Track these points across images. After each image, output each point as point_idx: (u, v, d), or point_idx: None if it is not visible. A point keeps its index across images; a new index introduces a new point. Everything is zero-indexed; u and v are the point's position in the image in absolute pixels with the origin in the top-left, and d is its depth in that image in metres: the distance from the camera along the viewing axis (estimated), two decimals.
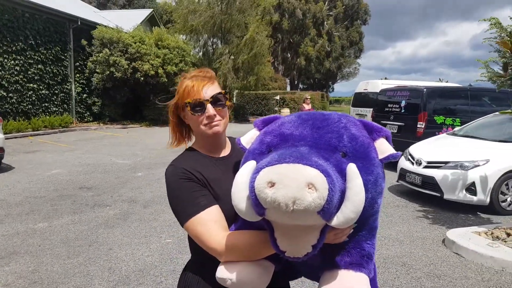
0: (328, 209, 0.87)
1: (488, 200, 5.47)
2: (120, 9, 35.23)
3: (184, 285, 1.31)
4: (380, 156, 1.08)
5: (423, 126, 8.27)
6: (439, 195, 5.74)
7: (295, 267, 1.26)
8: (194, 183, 1.22)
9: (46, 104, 15.68)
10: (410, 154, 6.52)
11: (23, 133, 13.45)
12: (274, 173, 0.87)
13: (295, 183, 0.84)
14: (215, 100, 1.28)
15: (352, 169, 0.93)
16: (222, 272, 1.10)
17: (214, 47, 23.12)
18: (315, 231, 0.96)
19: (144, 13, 25.34)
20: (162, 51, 17.30)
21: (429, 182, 5.89)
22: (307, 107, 11.34)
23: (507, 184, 5.58)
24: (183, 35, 21.72)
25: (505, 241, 4.17)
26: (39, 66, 15.09)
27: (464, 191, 5.53)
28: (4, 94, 13.62)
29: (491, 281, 3.51)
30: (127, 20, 20.25)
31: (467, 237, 4.30)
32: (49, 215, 5.15)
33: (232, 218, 1.22)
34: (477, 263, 3.88)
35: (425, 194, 6.07)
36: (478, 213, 5.60)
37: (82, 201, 5.82)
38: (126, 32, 17.51)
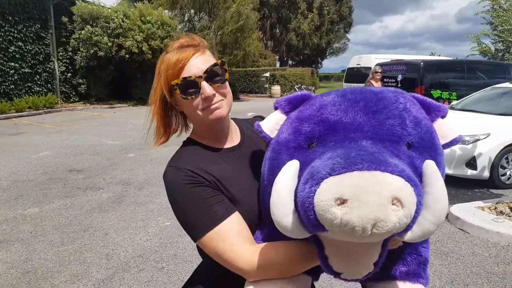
0: (410, 227, 0.68)
1: (488, 174, 5.42)
2: None
3: None
4: (442, 142, 0.88)
5: None
6: None
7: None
8: (205, 188, 0.96)
9: (29, 84, 15.13)
10: None
11: (6, 114, 12.98)
12: (344, 186, 0.65)
13: (376, 199, 0.63)
14: (210, 75, 0.98)
15: (432, 168, 0.73)
16: None
17: (200, 22, 22.53)
18: (377, 246, 0.76)
19: None
20: (146, 25, 16.68)
21: None
22: (376, 84, 7.85)
23: (507, 158, 5.52)
24: (167, 10, 21.06)
25: (509, 216, 4.12)
26: (19, 43, 14.47)
27: (463, 166, 5.47)
28: None
29: (498, 257, 3.46)
30: None
31: (471, 212, 4.25)
32: (39, 200, 4.93)
33: (255, 222, 1.00)
34: (482, 239, 3.82)
35: None
36: (478, 187, 5.56)
37: (73, 185, 5.60)
38: (108, 8, 16.85)
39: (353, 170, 0.66)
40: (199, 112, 1.00)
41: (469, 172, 5.44)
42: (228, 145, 1.10)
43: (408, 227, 0.67)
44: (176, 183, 0.97)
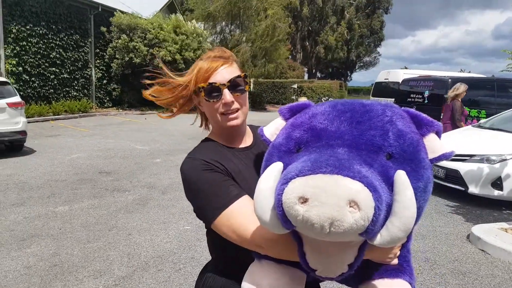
0: (373, 230, 0.73)
1: None
2: None
3: None
4: (431, 156, 0.91)
5: None
6: (463, 189, 5.56)
7: None
8: (219, 173, 1.08)
9: (67, 89, 15.91)
10: None
11: (44, 117, 13.68)
12: (307, 186, 0.71)
13: (333, 201, 0.69)
14: (233, 85, 1.12)
15: (401, 178, 0.77)
16: (249, 285, 0.99)
17: (231, 34, 22.94)
18: (353, 248, 0.82)
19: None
20: (180, 37, 17.24)
21: (453, 176, 5.71)
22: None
23: None
24: (201, 22, 21.60)
25: None
26: (60, 50, 15.28)
27: (489, 186, 5.35)
28: (27, 78, 13.85)
29: None
30: (147, 7, 20.22)
31: (493, 233, 4.16)
32: (70, 199, 5.21)
33: None
34: (504, 261, 3.74)
35: (448, 187, 5.89)
36: (504, 208, 5.41)
37: (101, 186, 5.87)
38: (145, 19, 17.54)
39: (317, 173, 0.73)
40: (218, 116, 1.14)
41: (495, 192, 5.32)
42: (240, 145, 1.23)
43: (369, 230, 0.72)
44: (193, 169, 1.09)
